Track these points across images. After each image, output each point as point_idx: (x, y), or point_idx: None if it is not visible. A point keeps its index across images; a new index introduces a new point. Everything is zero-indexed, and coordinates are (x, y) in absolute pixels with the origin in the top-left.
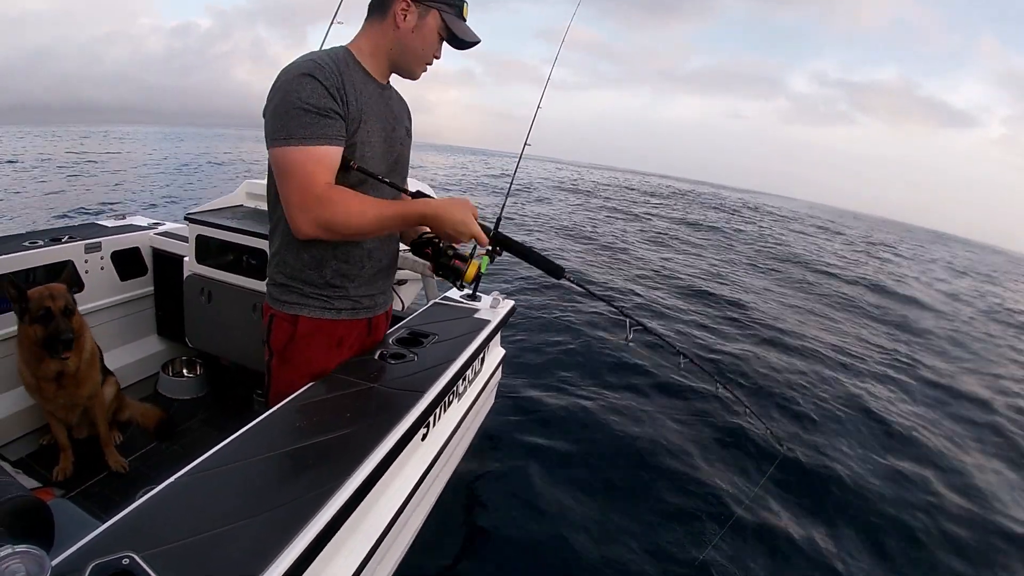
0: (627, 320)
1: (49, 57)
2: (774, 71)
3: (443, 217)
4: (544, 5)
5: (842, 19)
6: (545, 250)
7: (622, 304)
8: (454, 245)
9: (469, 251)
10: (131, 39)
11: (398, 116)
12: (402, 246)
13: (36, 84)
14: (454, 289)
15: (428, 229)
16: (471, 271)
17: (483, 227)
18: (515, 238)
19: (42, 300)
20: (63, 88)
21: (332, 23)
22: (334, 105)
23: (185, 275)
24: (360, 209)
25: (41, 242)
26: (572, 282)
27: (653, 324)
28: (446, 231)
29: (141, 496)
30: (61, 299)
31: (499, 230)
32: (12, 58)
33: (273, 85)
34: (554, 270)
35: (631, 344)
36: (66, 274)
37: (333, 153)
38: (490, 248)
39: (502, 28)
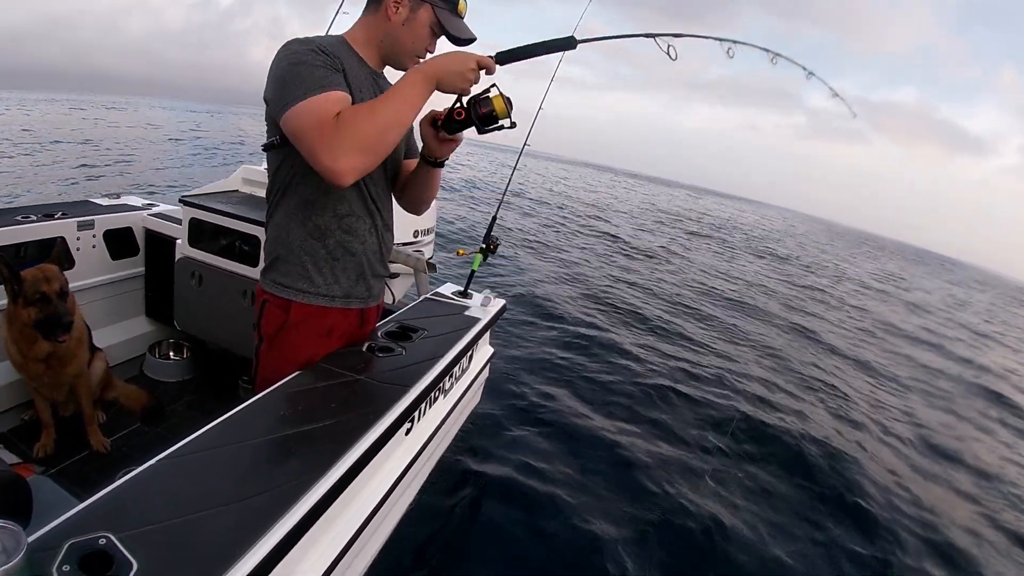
0: None
1: (67, 24)
2: (791, 85)
3: (443, 64)
4: (567, 5)
5: (866, 42)
6: None
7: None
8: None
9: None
10: (150, 11)
11: None
12: (395, 239)
13: (52, 50)
14: (446, 285)
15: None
16: (498, 104)
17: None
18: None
19: (37, 283)
20: (80, 56)
21: (337, 13)
22: (335, 68)
23: (177, 258)
24: (372, 109)
25: (34, 217)
26: (589, 40)
27: None
28: (453, 72)
29: (121, 477)
30: (56, 281)
31: (492, 233)
32: (29, 23)
33: (273, 63)
34: (564, 43)
35: None
36: (56, 253)
37: (344, 96)
38: (483, 247)
39: (525, 24)
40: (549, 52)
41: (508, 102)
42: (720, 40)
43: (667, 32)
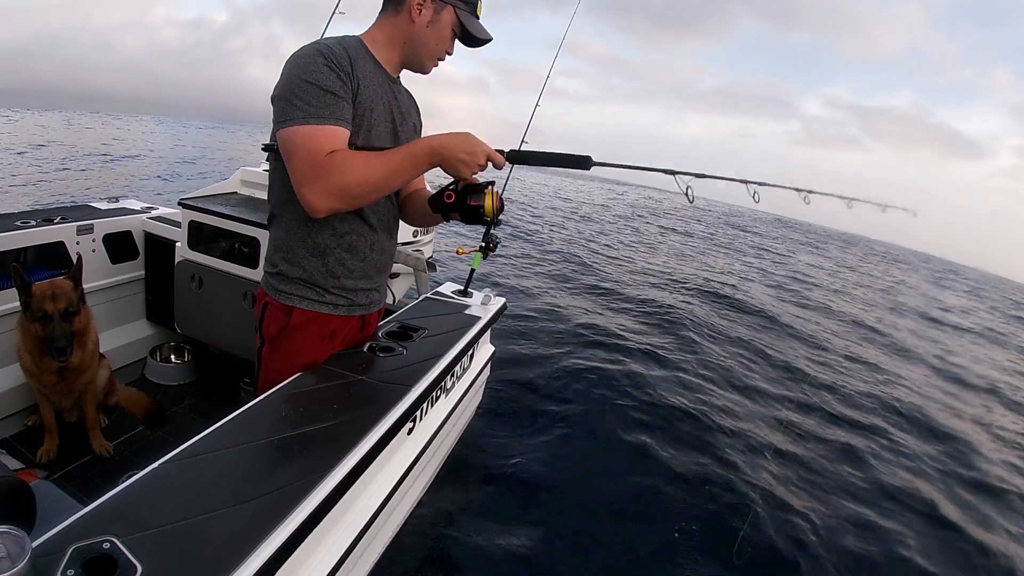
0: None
1: (61, 43)
2: (786, 93)
3: (452, 145)
4: (560, 16)
5: (857, 46)
6: None
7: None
8: (472, 180)
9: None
10: (145, 29)
11: (406, 111)
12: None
13: (46, 68)
14: (446, 284)
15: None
16: (488, 202)
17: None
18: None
19: (43, 301)
20: (74, 74)
21: (334, 13)
22: (344, 89)
23: (176, 260)
24: (367, 163)
25: (33, 222)
26: (603, 164)
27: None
28: (458, 159)
29: (124, 480)
30: (63, 300)
31: (491, 231)
32: (23, 41)
33: (283, 69)
34: (581, 161)
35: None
36: (75, 269)
37: (342, 133)
38: (482, 245)
39: (517, 37)
40: (564, 165)
41: (500, 204)
42: (745, 183)
43: (689, 172)
